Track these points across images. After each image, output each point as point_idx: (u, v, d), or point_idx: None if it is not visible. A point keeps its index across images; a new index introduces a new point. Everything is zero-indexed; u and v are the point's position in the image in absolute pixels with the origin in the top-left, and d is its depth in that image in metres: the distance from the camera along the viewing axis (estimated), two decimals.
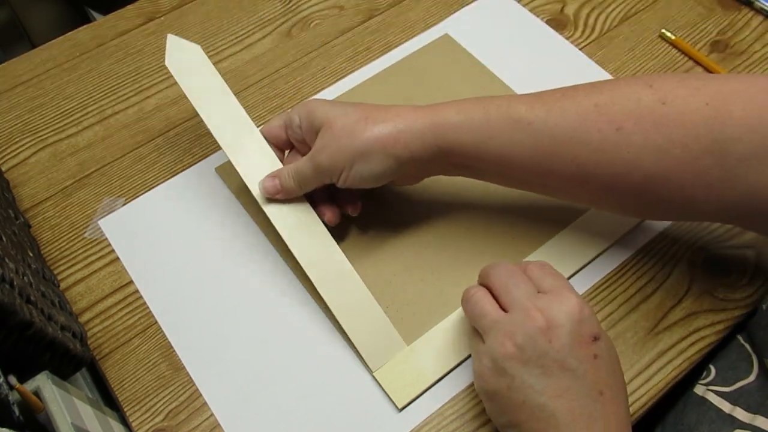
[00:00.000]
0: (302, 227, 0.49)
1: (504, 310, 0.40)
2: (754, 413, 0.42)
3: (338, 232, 0.51)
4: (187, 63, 0.51)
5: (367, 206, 0.52)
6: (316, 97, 0.59)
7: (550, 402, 0.37)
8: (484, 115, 0.42)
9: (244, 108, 0.51)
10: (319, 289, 0.48)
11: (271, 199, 0.49)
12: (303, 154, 0.48)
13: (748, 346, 0.46)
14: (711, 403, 0.44)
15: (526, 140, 0.42)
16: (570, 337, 0.38)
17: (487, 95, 0.44)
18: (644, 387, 0.45)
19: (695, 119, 0.38)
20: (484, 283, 0.43)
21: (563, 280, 0.42)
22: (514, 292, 0.40)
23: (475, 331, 0.42)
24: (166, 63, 0.51)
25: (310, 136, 0.47)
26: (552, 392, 0.37)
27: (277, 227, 0.49)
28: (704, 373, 0.47)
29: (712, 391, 0.45)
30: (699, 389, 0.46)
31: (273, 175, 0.47)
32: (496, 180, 0.47)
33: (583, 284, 0.49)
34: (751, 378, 0.44)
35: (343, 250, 0.50)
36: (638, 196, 0.42)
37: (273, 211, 0.49)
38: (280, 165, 0.49)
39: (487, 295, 0.42)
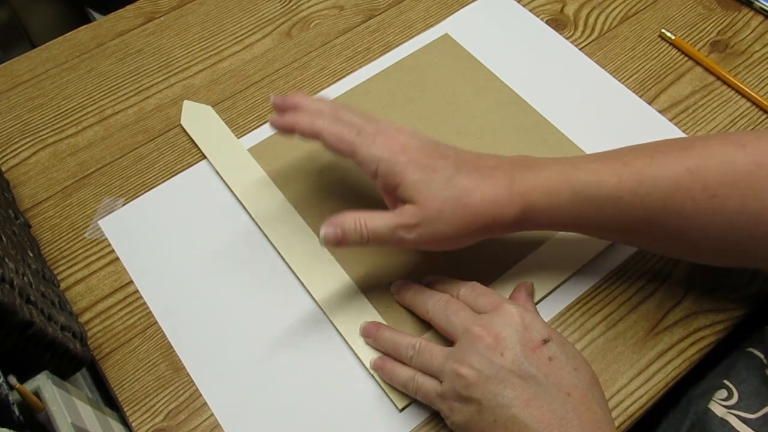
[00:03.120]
0: (293, 233, 0.51)
1: (450, 339, 0.42)
2: None
3: None
4: (200, 121, 0.58)
5: (368, 207, 0.52)
6: (317, 96, 0.59)
7: (520, 413, 0.37)
8: (573, 196, 0.41)
9: (244, 108, 0.54)
10: (312, 293, 0.48)
11: (262, 209, 0.52)
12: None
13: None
14: (732, 426, 0.43)
15: (615, 213, 0.41)
16: (520, 345, 0.39)
17: (490, 96, 0.44)
18: (644, 387, 0.45)
19: None
20: (424, 316, 0.45)
21: (496, 296, 0.43)
22: (455, 320, 0.42)
23: (426, 380, 0.42)
24: (182, 122, 0.58)
25: (387, 195, 0.44)
26: (519, 403, 0.37)
27: (268, 234, 0.51)
28: (725, 394, 0.46)
29: (735, 415, 0.44)
30: (719, 410, 0.45)
31: (334, 223, 0.42)
32: None
33: (582, 285, 0.49)
34: None
35: (343, 252, 0.50)
36: (730, 255, 0.41)
37: (263, 219, 0.52)
38: (285, 201, 0.52)
39: (428, 343, 0.43)
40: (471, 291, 0.44)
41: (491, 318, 0.40)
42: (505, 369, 0.38)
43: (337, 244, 0.43)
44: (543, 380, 0.38)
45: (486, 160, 0.43)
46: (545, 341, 0.39)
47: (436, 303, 0.44)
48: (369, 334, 0.46)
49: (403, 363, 0.44)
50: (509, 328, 0.40)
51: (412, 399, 0.45)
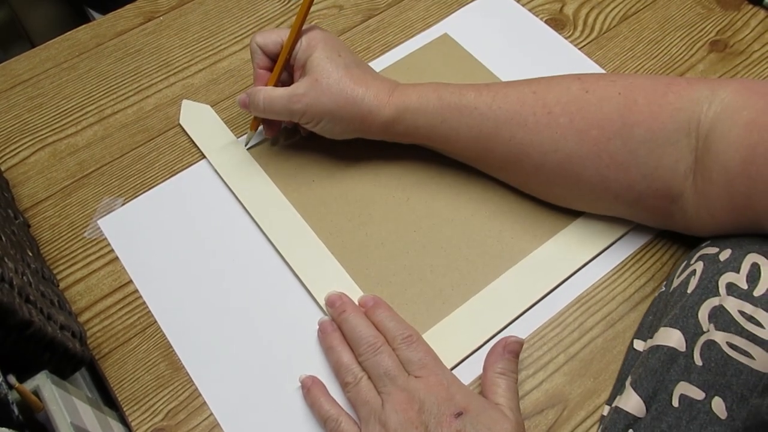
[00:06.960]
0: (292, 233, 0.51)
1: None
2: None
3: (338, 234, 0.51)
4: (200, 120, 0.58)
5: (367, 206, 0.52)
6: None
7: None
8: (438, 102, 0.48)
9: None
10: (312, 293, 0.49)
11: (262, 209, 0.52)
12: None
13: None
14: None
15: (472, 123, 0.48)
16: (434, 420, 0.39)
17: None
18: None
19: (610, 106, 0.44)
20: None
21: (428, 355, 0.43)
22: (382, 373, 0.43)
23: (350, 426, 0.42)
24: (181, 122, 0.58)
25: (297, 70, 0.51)
26: None
27: (267, 233, 0.51)
28: None
29: None
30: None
31: (247, 93, 0.51)
32: (444, 153, 0.52)
33: (582, 284, 0.49)
34: None
35: (343, 251, 0.50)
36: (563, 175, 0.47)
37: (263, 219, 0.52)
38: (285, 200, 0.53)
39: (368, 382, 0.43)
40: (406, 345, 0.44)
41: (417, 385, 0.41)
42: None
43: (243, 107, 0.52)
44: None
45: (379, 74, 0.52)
46: (458, 414, 0.39)
47: (367, 348, 0.44)
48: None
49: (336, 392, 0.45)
50: (432, 397, 0.40)
51: None
